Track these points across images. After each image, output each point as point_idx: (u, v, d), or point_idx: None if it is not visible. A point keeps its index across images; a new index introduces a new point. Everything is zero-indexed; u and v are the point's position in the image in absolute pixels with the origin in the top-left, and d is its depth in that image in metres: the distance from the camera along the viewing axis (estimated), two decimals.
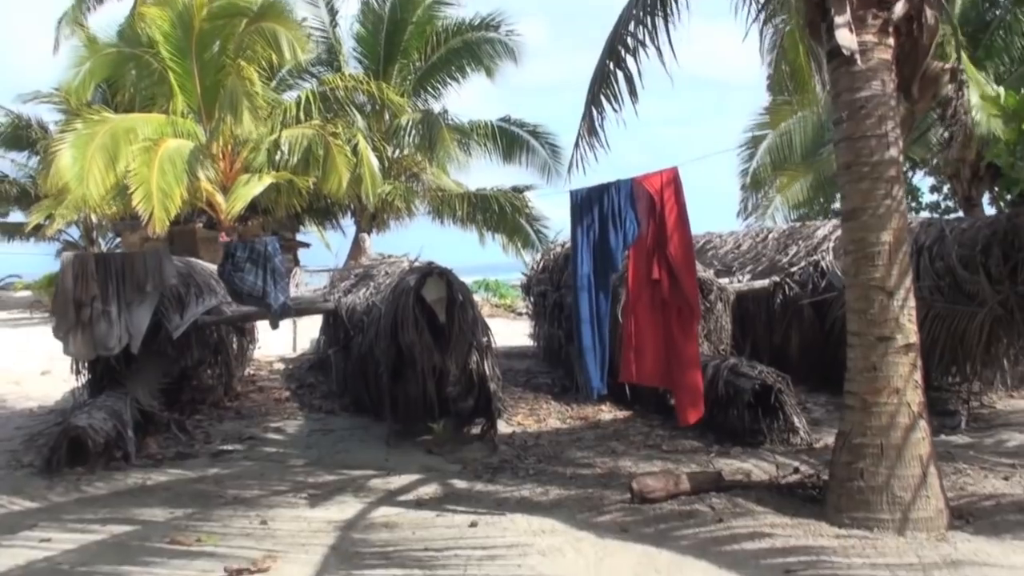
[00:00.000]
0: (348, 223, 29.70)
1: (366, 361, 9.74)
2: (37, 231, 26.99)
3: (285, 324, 16.03)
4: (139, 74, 24.43)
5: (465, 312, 8.34)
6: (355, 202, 26.06)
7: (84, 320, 8.19)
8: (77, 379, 9.78)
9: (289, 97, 25.97)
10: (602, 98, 10.10)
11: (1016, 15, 19.02)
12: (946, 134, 8.11)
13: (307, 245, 31.87)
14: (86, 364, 9.59)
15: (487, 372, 8.68)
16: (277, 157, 23.57)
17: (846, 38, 5.97)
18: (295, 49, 22.34)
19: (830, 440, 8.19)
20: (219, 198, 23.34)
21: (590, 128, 10.21)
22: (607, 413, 10.00)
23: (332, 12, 27.76)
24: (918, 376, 5.96)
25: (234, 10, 22.87)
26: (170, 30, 22.75)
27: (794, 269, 10.98)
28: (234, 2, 23.14)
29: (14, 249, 32.78)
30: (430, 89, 28.08)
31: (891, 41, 6.16)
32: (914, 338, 5.95)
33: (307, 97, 24.44)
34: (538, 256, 15.79)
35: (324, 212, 29.28)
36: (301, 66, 27.35)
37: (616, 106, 9.99)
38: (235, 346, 12.26)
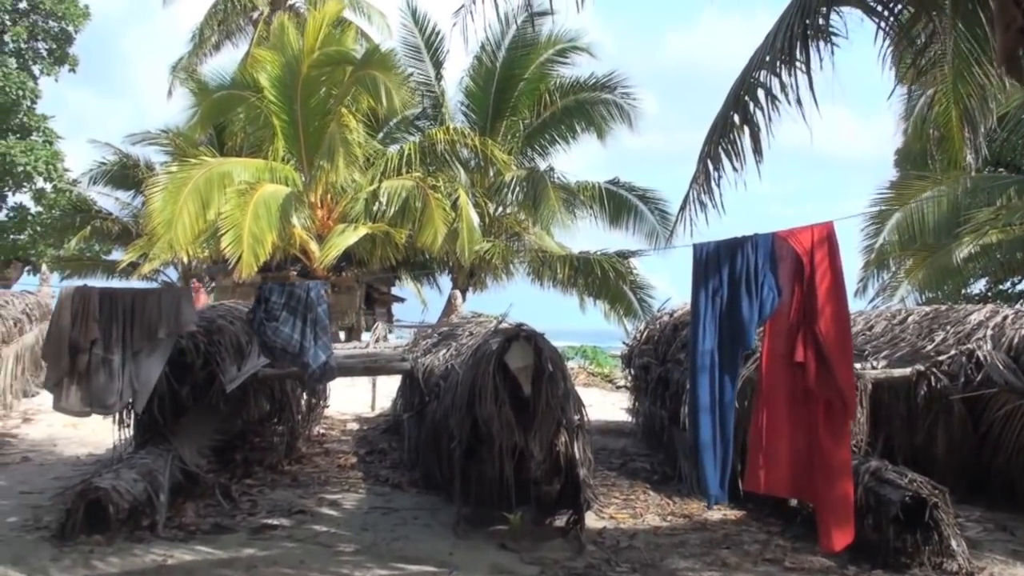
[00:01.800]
0: (446, 280, 28.86)
1: (439, 432, 8.52)
2: (133, 269, 26.83)
3: (363, 379, 15.14)
4: (247, 117, 24.41)
5: (555, 384, 7.07)
6: (452, 258, 25.20)
7: (80, 369, 6.91)
8: (119, 430, 8.77)
9: (394, 150, 25.46)
10: (720, 152, 8.94)
11: None
12: None
13: (402, 300, 31.12)
14: (130, 413, 8.59)
15: (577, 456, 7.37)
16: (375, 208, 23.00)
17: None
18: (392, 97, 21.61)
19: (996, 570, 6.72)
20: (313, 246, 22.87)
21: (704, 185, 9.04)
22: (716, 511, 8.53)
23: (437, 66, 27.16)
24: None
25: (341, 58, 22.58)
26: (278, 75, 22.50)
27: (942, 358, 9.37)
28: (341, 50, 22.90)
29: (113, 287, 32.68)
30: (538, 147, 27.25)
31: None
32: None
33: (409, 149, 23.91)
34: (642, 325, 14.41)
35: (421, 267, 28.56)
36: (407, 119, 26.98)
37: (737, 164, 8.84)
38: (303, 403, 11.19)
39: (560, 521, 7.71)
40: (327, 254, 22.13)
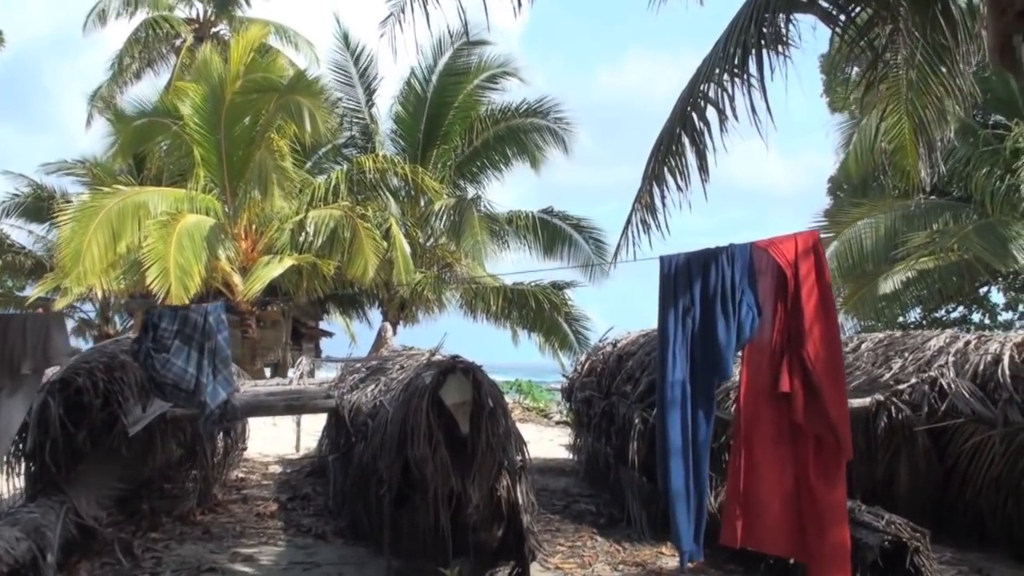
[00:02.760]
0: (375, 314, 28.06)
1: (367, 476, 7.73)
2: (45, 305, 25.49)
3: (287, 418, 14.25)
4: (169, 147, 23.68)
5: (495, 422, 6.34)
6: (383, 291, 24.41)
7: None
8: (8, 480, 7.81)
9: (322, 179, 24.71)
10: (665, 170, 8.54)
11: None
12: None
13: (330, 334, 30.26)
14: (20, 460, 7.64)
15: (520, 501, 6.64)
16: (301, 238, 22.20)
17: None
18: (317, 123, 20.92)
19: None
20: (236, 279, 21.95)
21: (648, 205, 8.56)
22: (670, 557, 7.84)
23: (369, 92, 26.55)
24: None
25: (267, 84, 21.84)
26: (201, 102, 21.68)
27: (902, 387, 8.84)
28: (268, 76, 22.25)
29: None
30: (469, 176, 26.80)
31: None
32: None
33: (336, 177, 23.23)
34: (583, 356, 13.74)
35: (351, 300, 27.68)
36: (335, 147, 26.35)
37: (682, 182, 8.49)
38: (219, 446, 10.28)
39: (502, 574, 6.97)
40: (251, 287, 21.23)
